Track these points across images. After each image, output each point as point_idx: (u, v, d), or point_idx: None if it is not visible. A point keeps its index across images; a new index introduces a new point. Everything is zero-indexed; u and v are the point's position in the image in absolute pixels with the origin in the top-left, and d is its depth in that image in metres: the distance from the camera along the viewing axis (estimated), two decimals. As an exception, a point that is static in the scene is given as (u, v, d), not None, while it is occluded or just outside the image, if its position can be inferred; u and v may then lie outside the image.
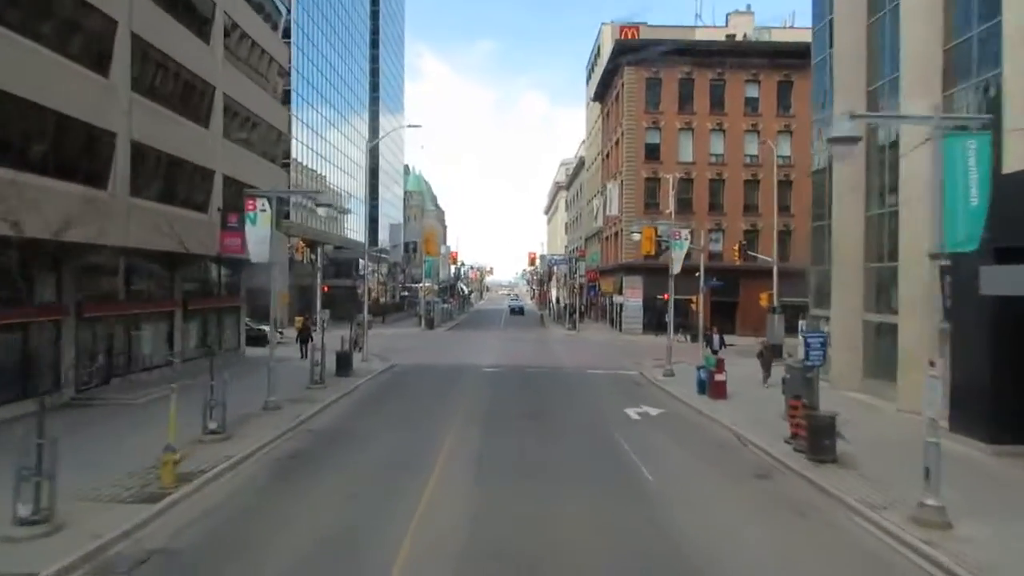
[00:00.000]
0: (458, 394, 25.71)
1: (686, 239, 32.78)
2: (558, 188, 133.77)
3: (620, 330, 59.48)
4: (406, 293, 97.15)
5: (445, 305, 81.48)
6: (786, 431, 17.85)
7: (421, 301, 61.24)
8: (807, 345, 18.71)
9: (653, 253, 37.45)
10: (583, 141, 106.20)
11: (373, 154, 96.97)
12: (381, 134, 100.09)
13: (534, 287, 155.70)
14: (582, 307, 70.44)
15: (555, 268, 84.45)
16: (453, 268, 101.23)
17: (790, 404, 17.67)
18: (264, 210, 21.71)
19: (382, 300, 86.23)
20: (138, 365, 25.86)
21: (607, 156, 68.40)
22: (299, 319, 55.99)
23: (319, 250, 60.08)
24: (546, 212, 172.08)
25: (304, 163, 66.31)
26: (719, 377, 24.71)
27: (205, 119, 28.24)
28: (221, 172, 28.98)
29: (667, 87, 57.51)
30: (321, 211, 21.51)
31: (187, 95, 26.73)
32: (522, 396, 25.61)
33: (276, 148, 36.75)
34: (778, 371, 23.74)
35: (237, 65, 31.48)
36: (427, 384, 28.50)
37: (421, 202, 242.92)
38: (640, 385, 29.44)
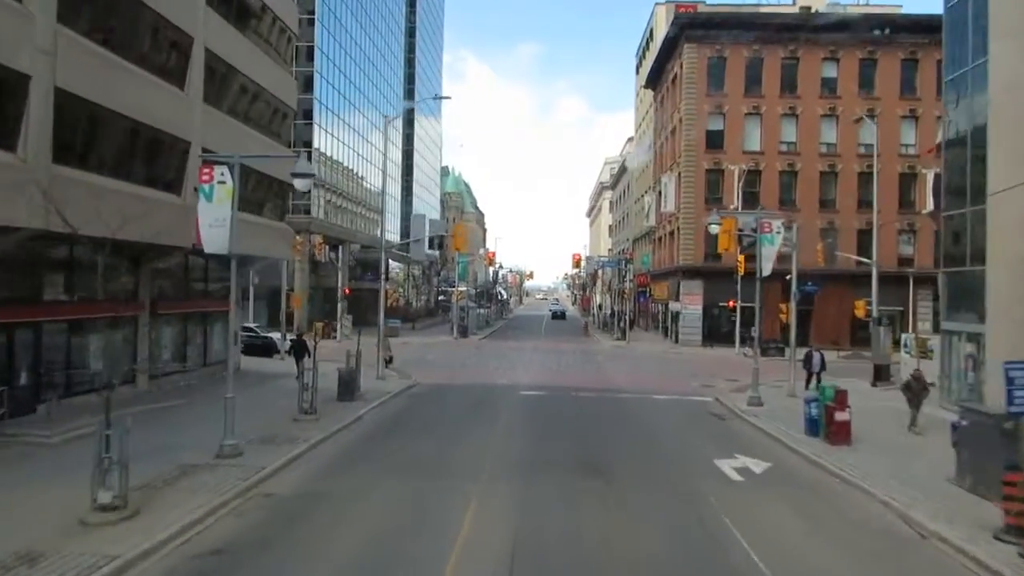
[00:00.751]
0: (487, 429, 19.66)
1: (778, 232, 26.12)
2: (602, 188, 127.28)
3: (675, 341, 52.87)
4: (442, 297, 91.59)
5: (481, 311, 75.62)
6: (985, 513, 11.49)
7: (454, 307, 55.46)
8: (1010, 382, 12.17)
9: (732, 249, 30.85)
10: (629, 139, 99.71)
11: (408, 154, 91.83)
12: (417, 136, 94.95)
13: (575, 292, 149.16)
14: (631, 315, 63.96)
15: (601, 271, 77.93)
16: (491, 271, 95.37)
17: (1006, 480, 11.17)
18: (223, 182, 15.97)
19: (415, 305, 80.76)
20: (83, 385, 20.28)
21: (661, 147, 61.82)
22: (319, 325, 50.62)
23: (340, 249, 54.81)
24: (588, 215, 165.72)
25: (330, 155, 61.08)
26: (841, 416, 18.18)
27: (179, 77, 22.68)
28: (200, 145, 23.35)
29: (732, 66, 50.82)
30: (300, 183, 16.33)
31: (151, 42, 21.19)
32: (572, 435, 19.43)
33: (280, 125, 31.13)
34: (890, 393, 17.20)
35: (228, 17, 25.91)
36: (449, 414, 22.52)
37: (460, 203, 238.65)
38: (723, 419, 22.98)
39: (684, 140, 51.27)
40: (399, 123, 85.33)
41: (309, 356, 22.10)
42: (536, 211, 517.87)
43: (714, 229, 26.71)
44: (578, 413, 22.92)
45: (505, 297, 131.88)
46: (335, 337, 48.91)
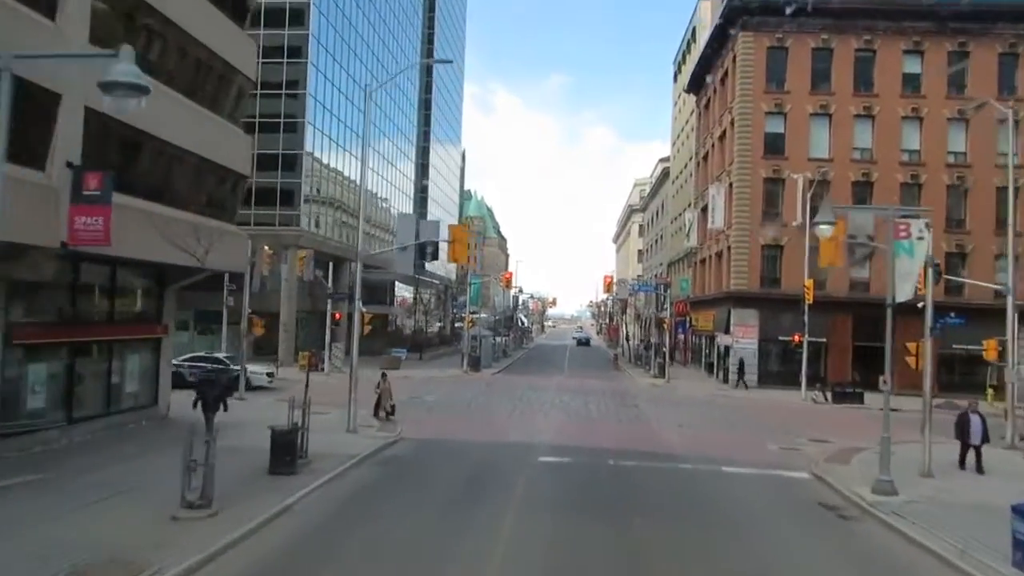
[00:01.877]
0: (487, 536, 12.07)
1: (920, 237, 18.57)
2: (631, 211, 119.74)
3: (723, 380, 44.78)
4: (458, 324, 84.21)
5: (497, 339, 68.02)
6: None
7: (464, 335, 48.02)
8: None
9: (839, 263, 23.30)
10: (661, 159, 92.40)
11: (422, 173, 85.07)
12: (433, 164, 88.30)
13: (601, 321, 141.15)
14: (669, 348, 55.98)
15: (632, 298, 70.09)
16: (510, 296, 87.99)
17: None
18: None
19: (427, 332, 73.41)
20: None
21: (706, 157, 54.26)
22: (304, 355, 43.38)
23: (331, 266, 47.55)
24: (615, 240, 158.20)
25: (332, 164, 54.29)
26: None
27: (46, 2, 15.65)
28: (82, 103, 16.22)
29: (795, 59, 43.34)
30: (113, 103, 10.31)
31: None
32: (619, 543, 11.80)
33: (226, 96, 23.96)
34: None
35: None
36: (431, 498, 14.90)
37: (483, 228, 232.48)
38: (845, 518, 15.06)
39: (737, 145, 43.69)
40: (411, 148, 78.59)
41: (225, 408, 14.47)
42: (562, 240, 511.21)
43: (824, 232, 18.75)
44: (623, 499, 15.22)
45: (526, 325, 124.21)
46: (323, 369, 41.58)
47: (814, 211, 40.69)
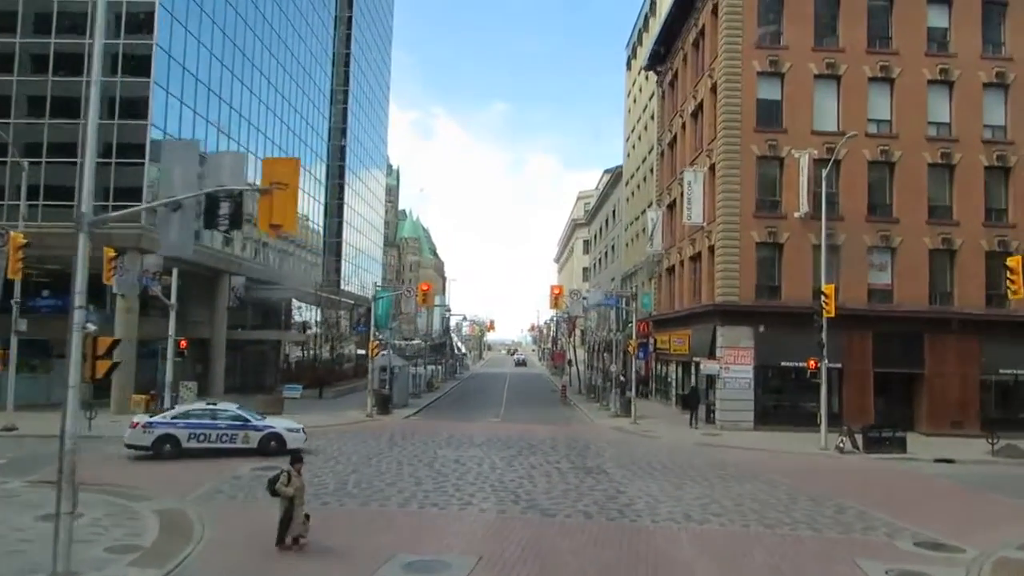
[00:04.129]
0: None
1: None
2: (575, 226, 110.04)
3: (706, 419, 34.42)
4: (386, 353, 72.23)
5: (425, 369, 56.53)
6: None
7: (370, 367, 36.42)
8: None
9: None
10: (606, 171, 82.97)
11: (338, 193, 73.50)
12: (353, 185, 76.86)
13: (543, 346, 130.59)
14: (623, 376, 45.32)
15: (584, 316, 59.43)
16: (437, 317, 76.62)
17: None
18: None
19: (342, 362, 61.27)
20: None
21: (672, 143, 44.40)
22: (139, 398, 31.37)
23: (170, 274, 35.02)
24: (557, 259, 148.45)
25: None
26: None
27: None
28: None
29: (795, 5, 33.86)
30: None
31: None
32: None
33: None
34: None
35: None
36: None
37: (418, 248, 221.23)
38: None
39: (723, 114, 33.75)
40: (321, 168, 66.95)
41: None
42: (503, 266, 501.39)
43: None
44: None
45: (462, 351, 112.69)
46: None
47: (819, 200, 31.10)
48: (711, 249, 34.80)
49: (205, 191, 11.58)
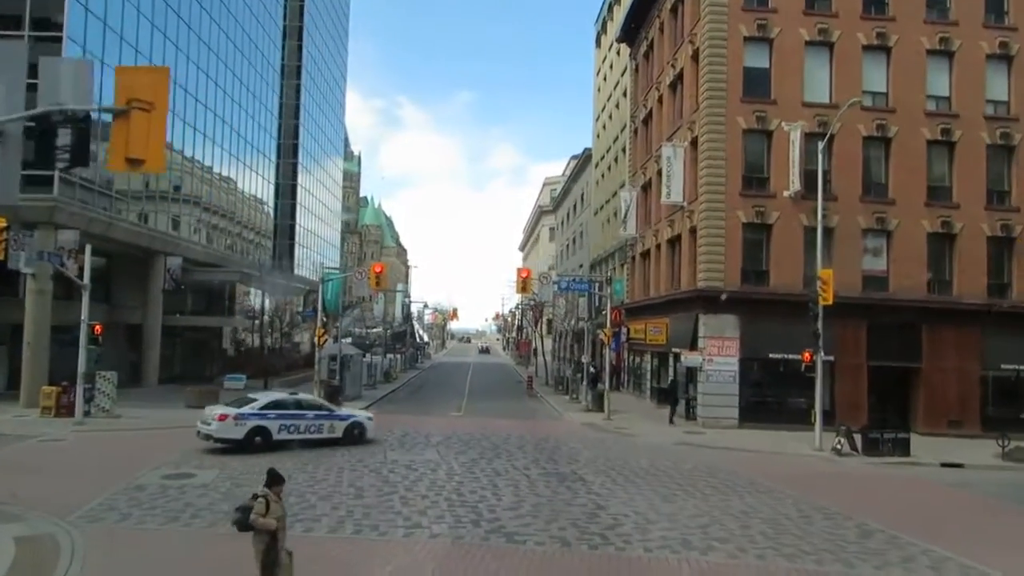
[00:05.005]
0: None
1: None
2: (540, 213, 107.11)
3: (688, 416, 31.69)
4: (349, 340, 68.43)
5: (384, 358, 53.11)
6: None
7: (316, 355, 32.81)
8: None
9: None
10: (573, 157, 79.96)
11: (291, 174, 69.39)
12: (308, 168, 72.53)
13: (508, 335, 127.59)
14: (595, 366, 42.40)
15: (551, 302, 56.31)
16: (401, 306, 72.97)
17: None
18: None
19: (294, 350, 57.33)
20: None
21: (647, 119, 41.47)
22: (49, 391, 27.56)
23: (78, 253, 30.99)
24: (522, 248, 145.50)
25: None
26: None
27: None
28: None
29: (785, -37, 31.07)
30: None
31: None
32: None
33: None
34: None
35: None
36: None
37: (380, 236, 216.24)
38: None
39: (706, 82, 30.85)
40: (268, 161, 62.69)
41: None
42: (468, 256, 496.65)
43: None
44: None
45: (425, 340, 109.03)
46: (86, 412, 25.99)
47: (810, 177, 28.37)
48: (692, 231, 31.96)
49: (35, 111, 8.13)
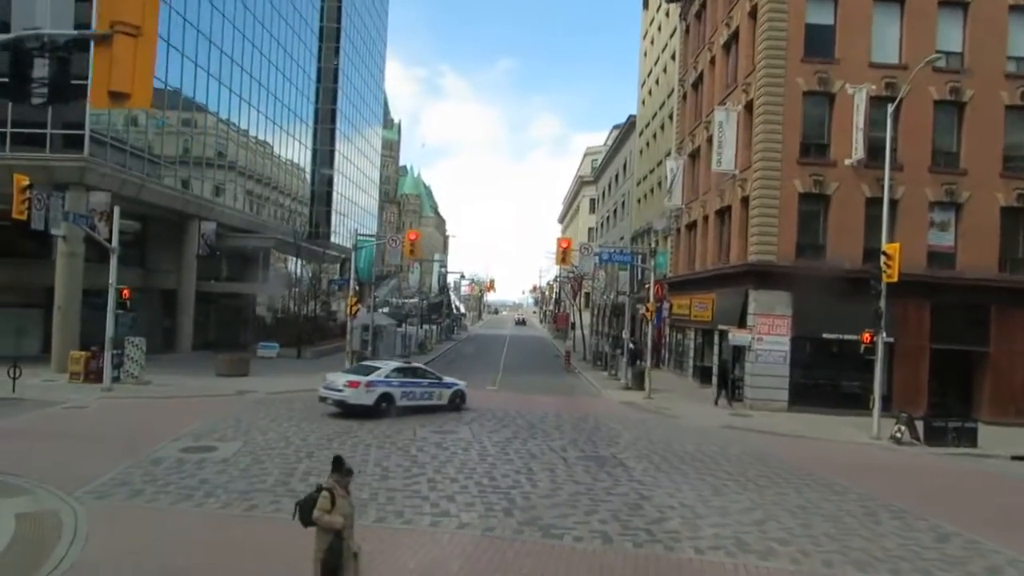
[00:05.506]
0: None
1: None
2: (581, 183, 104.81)
3: (731, 397, 30.14)
4: (385, 310, 67.93)
5: (406, 330, 52.22)
6: None
7: (348, 325, 31.81)
8: None
9: None
10: (615, 127, 77.50)
11: (329, 140, 68.42)
12: (340, 131, 71.43)
13: (545, 308, 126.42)
14: (635, 341, 40.88)
15: (592, 275, 54.75)
16: (437, 276, 72.00)
17: None
18: None
19: (330, 319, 56.81)
20: None
21: (697, 84, 39.36)
22: (78, 355, 27.12)
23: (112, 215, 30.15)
24: (561, 220, 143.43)
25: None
26: None
27: None
28: None
29: (855, -88, 28.66)
30: None
31: None
32: None
33: None
34: None
35: None
36: None
37: (419, 206, 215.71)
38: None
39: (765, 41, 28.78)
40: (306, 128, 61.58)
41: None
42: (505, 227, 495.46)
43: None
44: None
45: (460, 311, 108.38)
46: (115, 378, 25.55)
47: (874, 144, 26.29)
48: (744, 201, 30.12)
49: (5, 37, 6.96)
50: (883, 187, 24.59)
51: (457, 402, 24.77)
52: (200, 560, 10.00)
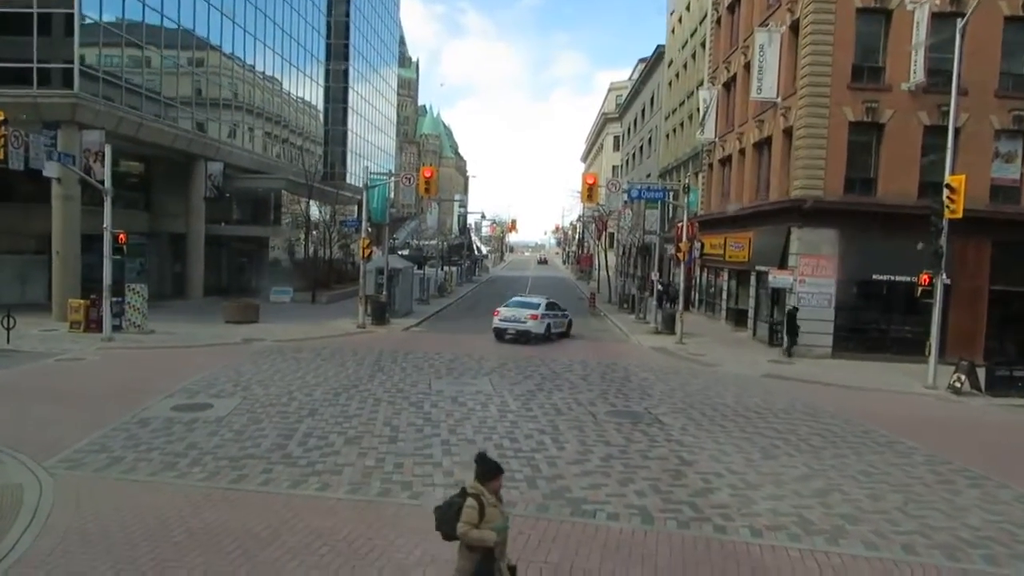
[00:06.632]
0: None
1: None
2: (605, 121, 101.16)
3: (771, 342, 28.36)
4: (404, 253, 66.38)
5: (426, 272, 50.70)
6: None
7: (362, 269, 30.11)
8: None
9: None
10: (641, 60, 73.69)
11: (342, 78, 65.64)
12: (354, 67, 68.41)
13: (568, 248, 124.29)
14: (664, 283, 38.89)
15: (619, 213, 52.44)
16: (457, 217, 69.96)
17: None
18: None
19: (345, 263, 55.23)
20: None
21: (733, 6, 36.31)
22: (76, 303, 25.78)
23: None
24: (584, 158, 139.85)
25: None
26: None
27: None
28: None
29: None
30: None
31: None
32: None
33: None
34: None
35: None
36: None
37: (438, 147, 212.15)
38: None
39: (813, -49, 25.86)
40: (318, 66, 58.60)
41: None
42: (527, 167, 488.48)
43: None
44: None
45: (483, 253, 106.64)
46: (116, 326, 24.29)
47: (935, 66, 23.57)
48: (787, 131, 27.67)
49: None
50: (943, 114, 22.24)
51: (569, 331, 30.09)
52: (164, 554, 8.45)
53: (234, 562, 8.22)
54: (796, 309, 25.69)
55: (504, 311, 27.96)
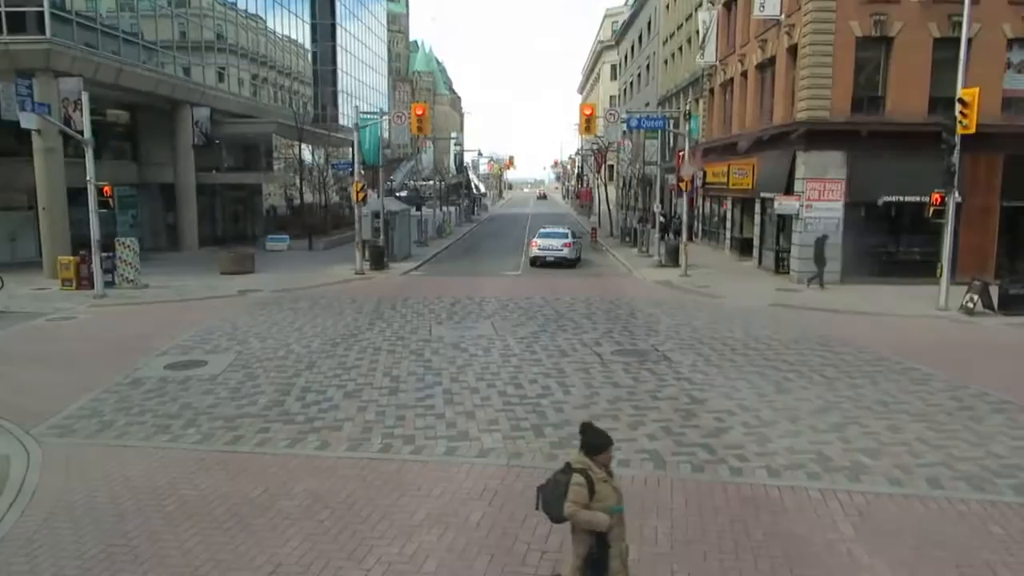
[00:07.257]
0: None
1: None
2: (601, 48, 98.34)
3: (776, 269, 27.84)
4: (403, 194, 65.40)
5: (421, 213, 49.90)
6: None
7: (357, 213, 29.33)
8: None
9: None
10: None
11: (329, 13, 63.15)
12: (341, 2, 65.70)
13: (567, 183, 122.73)
14: (665, 214, 38.14)
15: (618, 144, 51.20)
16: (454, 156, 68.61)
17: None
18: None
19: (341, 208, 54.35)
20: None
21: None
22: (67, 260, 25.19)
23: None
24: (581, 90, 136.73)
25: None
26: None
27: None
28: None
29: None
30: None
31: None
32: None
33: None
34: None
35: None
36: None
37: (432, 84, 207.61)
38: None
39: None
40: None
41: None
42: (523, 101, 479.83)
43: None
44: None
45: (482, 191, 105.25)
46: (110, 282, 23.82)
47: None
48: (792, 50, 26.50)
49: None
50: (954, 24, 21.15)
51: (580, 254, 33.94)
52: (155, 525, 8.06)
53: (229, 531, 7.82)
54: (825, 237, 24.77)
55: (540, 241, 32.85)
